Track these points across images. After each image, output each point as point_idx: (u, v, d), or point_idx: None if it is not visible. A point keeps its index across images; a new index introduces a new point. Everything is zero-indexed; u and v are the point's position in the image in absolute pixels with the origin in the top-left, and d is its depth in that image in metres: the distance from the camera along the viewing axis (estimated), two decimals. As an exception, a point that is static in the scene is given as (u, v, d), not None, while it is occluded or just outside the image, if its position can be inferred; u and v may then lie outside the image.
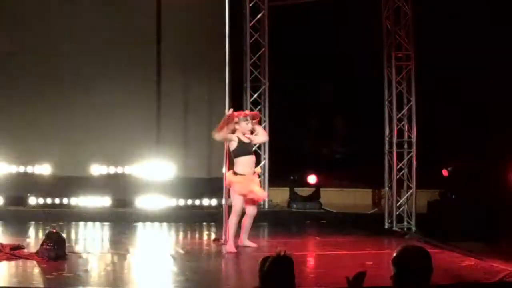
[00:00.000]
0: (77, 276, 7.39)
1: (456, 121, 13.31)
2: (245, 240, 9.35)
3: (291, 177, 13.28)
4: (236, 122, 9.25)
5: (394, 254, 3.82)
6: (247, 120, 9.29)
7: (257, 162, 13.17)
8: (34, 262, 7.99)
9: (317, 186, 13.11)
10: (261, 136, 9.75)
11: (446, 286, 6.77)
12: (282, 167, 13.44)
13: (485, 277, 7.61)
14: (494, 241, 9.60)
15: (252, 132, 9.47)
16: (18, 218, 11.42)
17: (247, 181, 9.12)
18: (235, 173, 9.19)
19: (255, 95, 13.16)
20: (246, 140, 9.28)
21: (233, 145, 9.21)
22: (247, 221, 9.28)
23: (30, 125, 12.05)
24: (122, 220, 11.64)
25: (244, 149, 9.23)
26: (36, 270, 7.71)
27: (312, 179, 13.08)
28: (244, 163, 9.18)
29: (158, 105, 12.64)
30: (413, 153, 11.27)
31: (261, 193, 9.49)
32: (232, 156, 9.31)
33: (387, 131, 11.49)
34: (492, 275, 7.70)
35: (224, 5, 9.99)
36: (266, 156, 13.14)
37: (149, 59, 12.61)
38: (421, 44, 11.44)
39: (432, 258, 3.90)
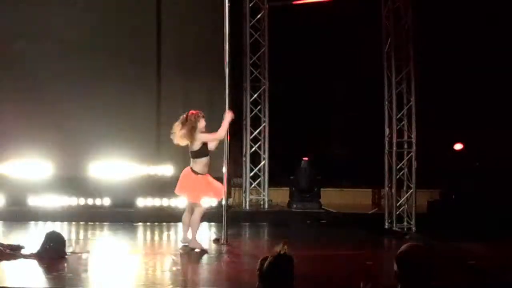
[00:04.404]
0: (77, 276, 7.40)
1: (456, 121, 13.30)
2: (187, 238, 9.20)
3: (291, 177, 13.25)
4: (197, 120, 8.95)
5: (398, 252, 3.81)
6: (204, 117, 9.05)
7: (257, 162, 13.26)
8: (34, 262, 7.99)
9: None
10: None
11: (446, 286, 6.76)
12: (281, 167, 13.43)
13: (485, 277, 7.61)
14: (494, 241, 9.60)
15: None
16: (18, 218, 11.42)
17: (207, 182, 9.05)
18: (195, 172, 9.03)
19: (255, 95, 13.15)
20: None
21: (198, 145, 8.98)
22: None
23: (30, 125, 12.04)
24: (122, 220, 11.64)
25: (206, 149, 9.05)
26: (36, 270, 7.71)
27: None
28: (205, 163, 9.03)
29: (158, 105, 12.64)
30: (413, 153, 11.25)
31: (220, 192, 9.34)
32: (192, 156, 9.06)
33: (387, 131, 11.47)
34: (492, 275, 7.71)
35: (224, 5, 9.98)
36: (266, 155, 13.14)
37: (149, 59, 12.60)
38: (420, 44, 11.43)
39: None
